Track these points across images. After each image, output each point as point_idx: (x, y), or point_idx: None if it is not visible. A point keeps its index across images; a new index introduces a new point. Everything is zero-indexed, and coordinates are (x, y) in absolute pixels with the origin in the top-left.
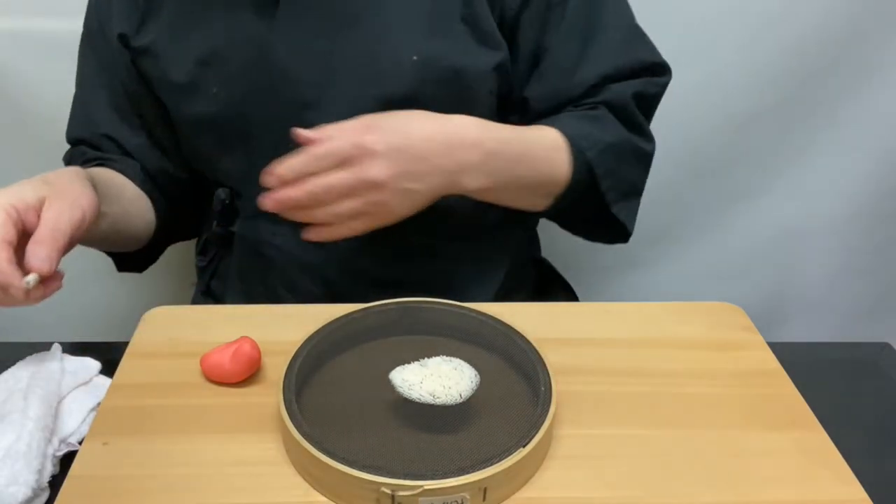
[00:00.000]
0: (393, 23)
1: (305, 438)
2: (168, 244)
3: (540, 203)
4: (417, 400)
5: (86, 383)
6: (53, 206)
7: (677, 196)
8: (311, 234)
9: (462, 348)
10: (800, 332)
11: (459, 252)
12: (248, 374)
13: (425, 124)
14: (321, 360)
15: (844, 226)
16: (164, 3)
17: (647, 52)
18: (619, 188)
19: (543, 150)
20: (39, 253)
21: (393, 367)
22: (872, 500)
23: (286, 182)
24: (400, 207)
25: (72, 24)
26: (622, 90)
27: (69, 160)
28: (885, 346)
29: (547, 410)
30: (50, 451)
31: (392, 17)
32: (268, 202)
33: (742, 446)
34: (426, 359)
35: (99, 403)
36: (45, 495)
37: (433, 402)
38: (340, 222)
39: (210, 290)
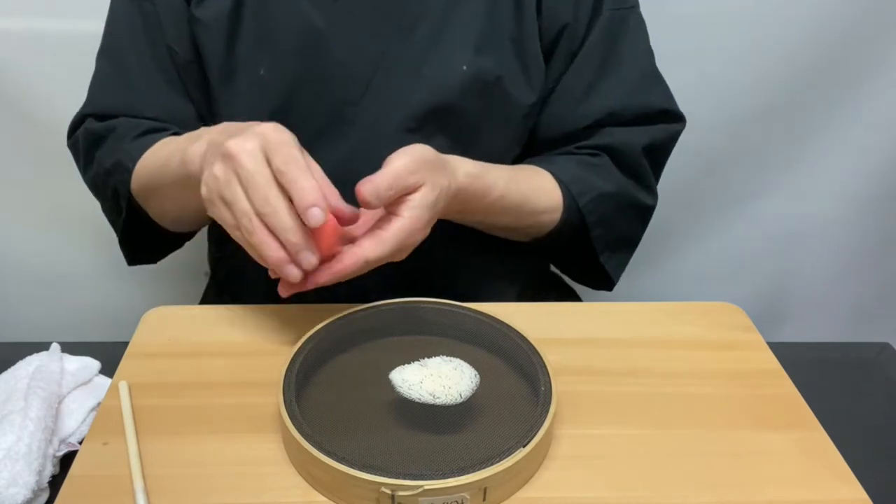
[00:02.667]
0: (448, 33)
1: (305, 438)
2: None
3: (520, 238)
4: (417, 400)
5: (86, 383)
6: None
7: (677, 196)
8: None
9: (462, 348)
10: (800, 332)
11: (484, 266)
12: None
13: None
14: (321, 360)
15: (845, 226)
16: None
17: (660, 97)
18: (609, 238)
19: (535, 204)
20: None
21: (393, 367)
22: (872, 500)
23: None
24: None
25: (72, 25)
26: (630, 139)
27: (100, 135)
28: (885, 346)
29: (547, 410)
30: (50, 451)
31: (448, 27)
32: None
33: (742, 446)
34: (426, 359)
35: (99, 403)
36: (45, 495)
37: (433, 402)
38: None
39: (226, 285)
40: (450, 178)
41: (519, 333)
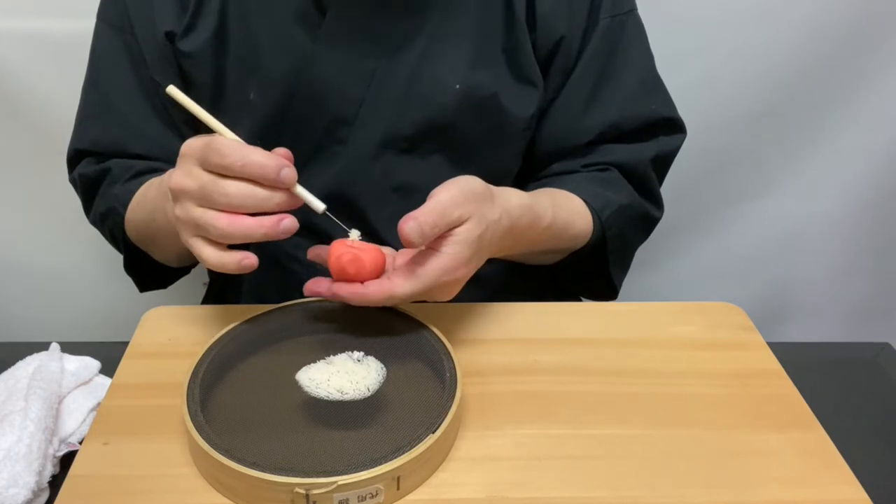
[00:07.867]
0: (439, 50)
1: (213, 447)
2: None
3: (550, 261)
4: (326, 398)
5: (86, 383)
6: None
7: (677, 196)
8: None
9: (367, 342)
10: (800, 332)
11: (485, 277)
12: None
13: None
14: (226, 365)
15: (844, 226)
16: (210, 8)
17: (660, 104)
18: (622, 250)
19: (576, 227)
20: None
21: (300, 368)
22: (872, 500)
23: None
24: None
25: (72, 25)
26: (638, 154)
27: (94, 180)
28: (885, 346)
29: (453, 396)
30: (50, 451)
31: (439, 43)
32: None
33: (742, 446)
34: (332, 356)
35: (99, 403)
36: (45, 495)
37: (342, 399)
38: None
39: (225, 297)
40: (500, 211)
41: (422, 323)
